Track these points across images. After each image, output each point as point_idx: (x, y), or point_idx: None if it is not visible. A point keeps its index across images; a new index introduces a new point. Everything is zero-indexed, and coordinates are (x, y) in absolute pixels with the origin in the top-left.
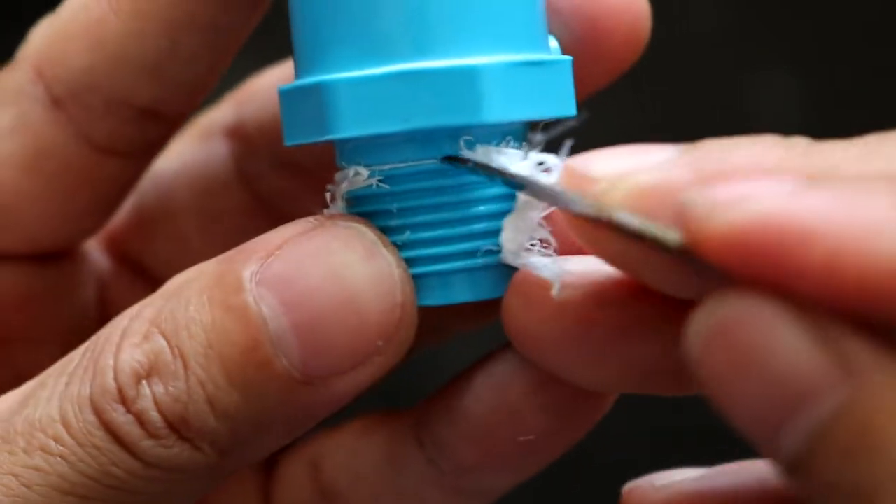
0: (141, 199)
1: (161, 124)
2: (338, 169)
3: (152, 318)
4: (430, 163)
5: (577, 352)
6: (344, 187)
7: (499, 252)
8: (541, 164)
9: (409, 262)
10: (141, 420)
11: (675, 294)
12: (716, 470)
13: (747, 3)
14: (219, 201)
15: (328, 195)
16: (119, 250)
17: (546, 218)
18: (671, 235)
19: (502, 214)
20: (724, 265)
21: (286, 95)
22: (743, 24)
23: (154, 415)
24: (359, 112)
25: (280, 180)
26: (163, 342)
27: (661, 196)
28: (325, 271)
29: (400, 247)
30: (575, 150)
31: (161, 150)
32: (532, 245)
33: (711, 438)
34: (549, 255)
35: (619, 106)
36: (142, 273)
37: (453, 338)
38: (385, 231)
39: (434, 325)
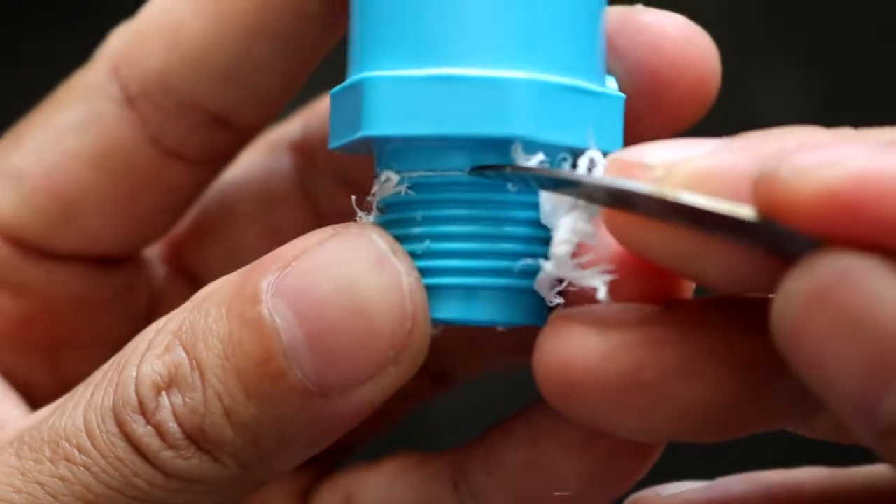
0: (202, 207)
1: (231, 133)
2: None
3: (175, 330)
4: (460, 174)
5: (627, 401)
6: (377, 193)
7: (531, 273)
8: (589, 159)
9: (428, 272)
10: (160, 431)
11: (733, 290)
12: (724, 481)
13: (752, 4)
14: (280, 214)
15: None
16: (176, 258)
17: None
18: (744, 211)
19: (532, 238)
20: (815, 229)
21: (334, 98)
22: (747, 25)
23: (172, 426)
24: (393, 112)
25: (341, 197)
26: (183, 354)
27: (724, 176)
28: (336, 282)
29: (419, 256)
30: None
31: (229, 162)
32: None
33: (720, 451)
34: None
35: None
36: (195, 283)
37: (498, 381)
38: (405, 239)
39: (466, 356)
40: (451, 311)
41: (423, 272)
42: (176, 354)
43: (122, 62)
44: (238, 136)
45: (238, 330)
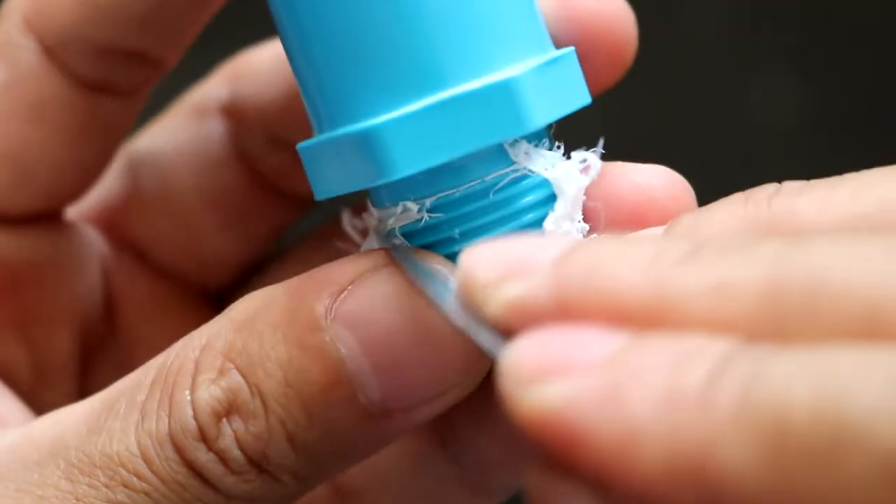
0: (139, 180)
1: (152, 66)
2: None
3: (225, 352)
4: (480, 182)
5: None
6: (391, 224)
7: None
8: (582, 161)
9: None
10: (223, 458)
11: None
12: None
13: (749, 5)
14: (218, 179)
15: (349, 228)
16: (118, 233)
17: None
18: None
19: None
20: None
21: (311, 151)
22: (745, 26)
23: (237, 453)
24: (409, 150)
25: (277, 158)
26: (239, 379)
27: (521, 318)
28: (403, 313)
29: None
30: (576, 146)
31: (151, 89)
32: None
33: None
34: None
35: (621, 106)
36: (143, 257)
37: None
38: (452, 258)
39: None
40: None
41: None
42: (232, 379)
43: (34, 18)
44: (159, 66)
45: (299, 356)
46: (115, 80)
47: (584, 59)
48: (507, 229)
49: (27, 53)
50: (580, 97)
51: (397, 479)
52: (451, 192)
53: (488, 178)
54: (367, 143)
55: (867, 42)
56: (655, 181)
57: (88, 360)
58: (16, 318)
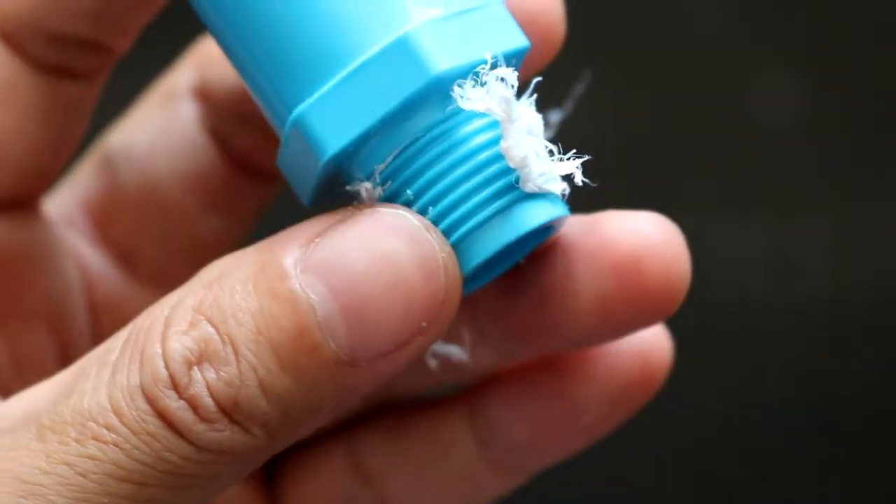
0: (117, 176)
1: (103, 53)
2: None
3: (196, 307)
4: (417, 140)
5: None
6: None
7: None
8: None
9: (447, 233)
10: (194, 405)
11: None
12: None
13: (751, 4)
14: (195, 163)
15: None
16: (103, 233)
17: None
18: None
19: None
20: None
21: (281, 161)
22: (746, 25)
23: (207, 400)
24: (332, 127)
25: (249, 137)
26: (210, 329)
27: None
28: (371, 257)
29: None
30: (576, 146)
31: (109, 71)
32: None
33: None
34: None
35: (621, 106)
36: (127, 257)
37: None
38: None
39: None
40: (477, 255)
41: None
42: (203, 329)
43: None
44: (111, 52)
45: (269, 305)
46: (71, 65)
47: None
48: (459, 175)
49: None
50: (511, 39)
51: (423, 462)
52: (394, 158)
53: (433, 131)
54: (299, 133)
55: (868, 42)
56: (652, 228)
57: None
58: None
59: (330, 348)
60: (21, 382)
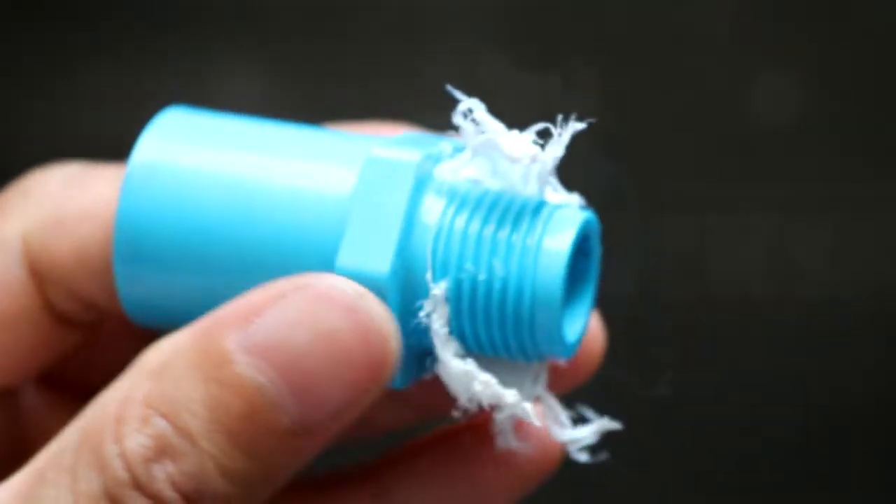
0: None
1: (102, 312)
2: None
3: (145, 402)
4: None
5: None
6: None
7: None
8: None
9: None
10: (160, 501)
11: None
12: None
13: (752, 4)
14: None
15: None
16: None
17: None
18: None
19: None
20: None
21: None
22: (747, 25)
23: (171, 493)
24: None
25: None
26: (164, 423)
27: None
28: (312, 334)
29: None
30: (577, 146)
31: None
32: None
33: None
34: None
35: (622, 106)
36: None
37: None
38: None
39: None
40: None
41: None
42: (157, 425)
43: (37, 247)
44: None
45: (218, 393)
46: (77, 318)
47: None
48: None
49: (17, 269)
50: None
51: None
52: None
53: None
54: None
55: (868, 42)
56: (593, 330)
57: None
58: None
59: (282, 423)
60: None
